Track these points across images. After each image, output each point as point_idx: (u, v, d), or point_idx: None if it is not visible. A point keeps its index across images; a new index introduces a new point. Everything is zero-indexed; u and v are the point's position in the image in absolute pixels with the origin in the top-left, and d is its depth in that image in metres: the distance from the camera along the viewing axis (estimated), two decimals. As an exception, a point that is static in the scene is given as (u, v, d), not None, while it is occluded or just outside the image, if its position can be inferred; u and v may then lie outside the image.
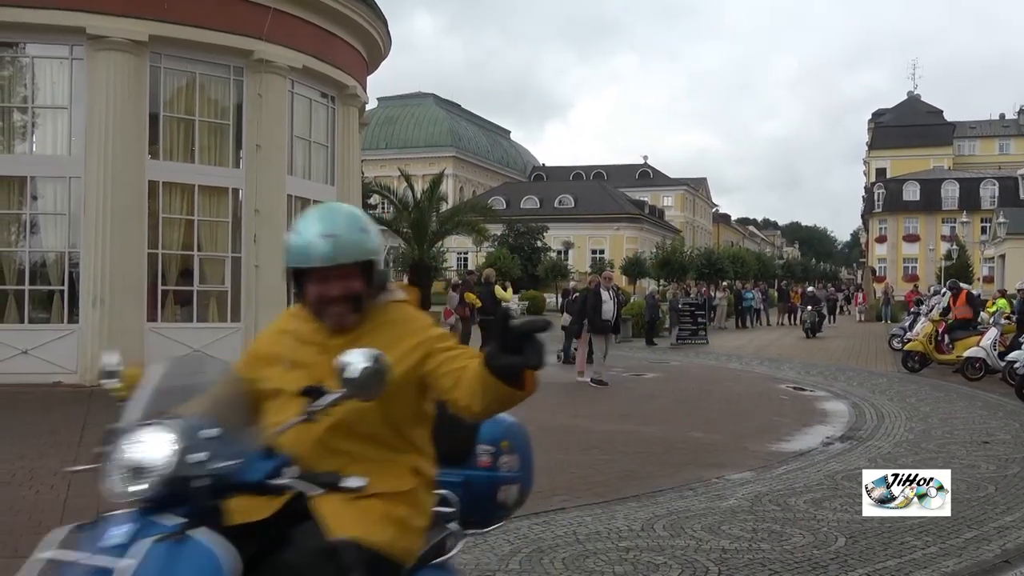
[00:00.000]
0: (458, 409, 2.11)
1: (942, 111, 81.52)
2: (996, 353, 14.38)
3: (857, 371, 16.76)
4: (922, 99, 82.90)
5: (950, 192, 67.63)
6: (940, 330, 16.27)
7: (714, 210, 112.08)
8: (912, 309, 22.43)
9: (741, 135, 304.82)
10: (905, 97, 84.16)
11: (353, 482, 1.95)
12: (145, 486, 1.84)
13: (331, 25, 14.37)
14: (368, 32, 15.40)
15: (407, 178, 21.57)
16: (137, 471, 1.85)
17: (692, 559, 4.83)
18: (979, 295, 18.47)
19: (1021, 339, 13.19)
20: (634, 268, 53.74)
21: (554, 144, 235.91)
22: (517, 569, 4.62)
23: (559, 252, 58.87)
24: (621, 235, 71.89)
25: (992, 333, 14.76)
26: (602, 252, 69.72)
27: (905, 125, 77.04)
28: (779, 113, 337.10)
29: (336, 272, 2.15)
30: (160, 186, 12.54)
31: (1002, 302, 18.24)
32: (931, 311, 17.89)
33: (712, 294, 33.69)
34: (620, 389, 13.18)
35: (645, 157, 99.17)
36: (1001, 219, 42.50)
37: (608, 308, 13.62)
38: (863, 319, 39.49)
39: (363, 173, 19.96)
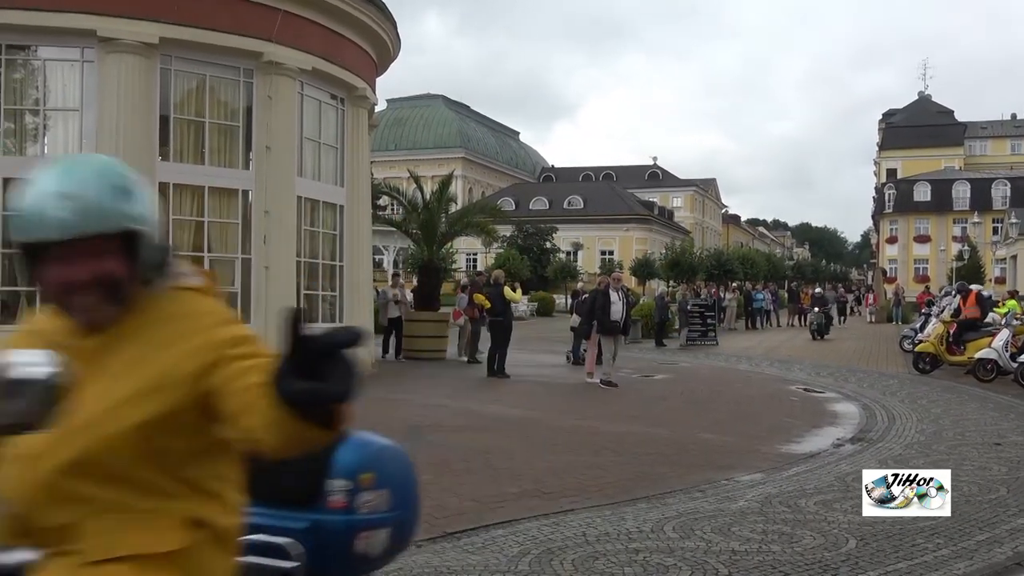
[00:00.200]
0: (252, 444, 1.46)
1: (953, 111, 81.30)
2: (1008, 354, 14.32)
3: (868, 372, 16.70)
4: (933, 99, 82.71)
5: (961, 193, 67.35)
6: (951, 331, 16.21)
7: (724, 211, 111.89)
8: (923, 310, 22.34)
9: (751, 136, 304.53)
10: (916, 97, 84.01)
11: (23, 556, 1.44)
12: None
13: (340, 27, 14.40)
14: (377, 34, 15.43)
15: (416, 179, 21.58)
16: None
17: (702, 561, 4.82)
18: (990, 296, 18.37)
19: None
20: (643, 269, 53.68)
21: (563, 145, 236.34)
22: (527, 570, 4.61)
23: (568, 253, 58.86)
24: (630, 236, 71.84)
25: (1004, 334, 14.69)
26: (611, 253, 69.73)
27: (916, 125, 76.82)
28: (789, 113, 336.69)
29: (82, 248, 1.52)
30: (170, 188, 12.57)
31: (1012, 303, 18.15)
32: (942, 312, 17.82)
33: (722, 295, 33.65)
34: (630, 390, 13.16)
35: (654, 158, 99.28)
36: (1013, 219, 42.38)
37: (617, 309, 13.61)
38: (874, 320, 39.38)
39: (372, 174, 19.99)
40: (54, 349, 1.48)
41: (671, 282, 47.24)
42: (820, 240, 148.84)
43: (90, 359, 1.56)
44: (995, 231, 56.21)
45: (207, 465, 1.63)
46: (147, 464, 1.55)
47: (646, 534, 5.32)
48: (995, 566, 4.85)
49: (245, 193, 13.37)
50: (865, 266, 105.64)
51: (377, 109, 18.66)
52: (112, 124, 11.88)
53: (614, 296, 13.73)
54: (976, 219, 50.46)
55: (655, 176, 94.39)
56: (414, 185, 21.33)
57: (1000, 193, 65.61)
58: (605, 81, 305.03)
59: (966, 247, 45.38)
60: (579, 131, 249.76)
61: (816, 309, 28.26)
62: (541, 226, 57.83)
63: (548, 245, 56.24)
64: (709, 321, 24.37)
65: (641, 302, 26.90)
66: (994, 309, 17.15)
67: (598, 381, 13.44)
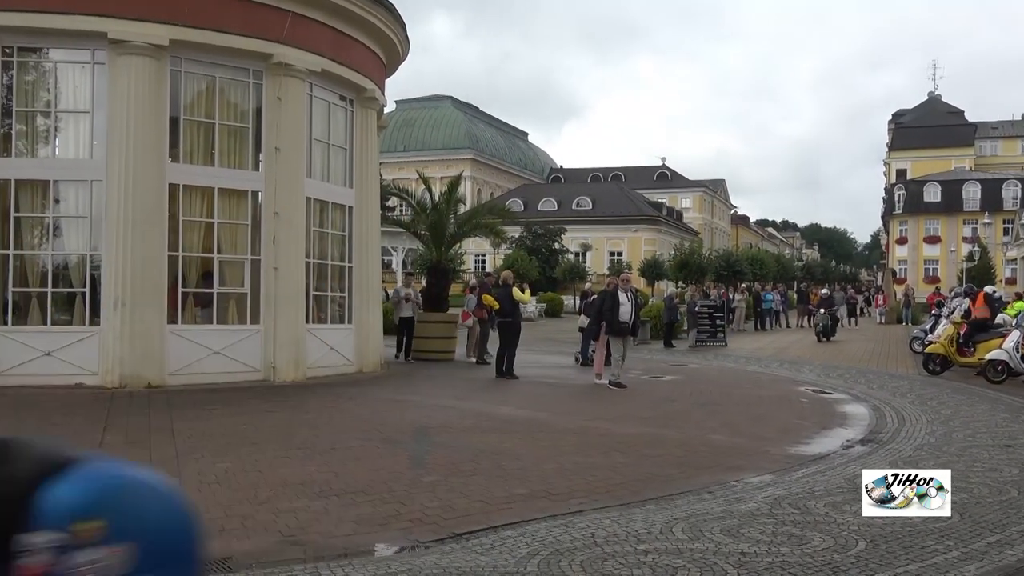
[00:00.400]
0: None
1: (963, 111, 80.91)
2: (1019, 356, 14.27)
3: (878, 374, 16.65)
4: (943, 99, 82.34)
5: (972, 193, 66.99)
6: (962, 332, 16.15)
7: (733, 212, 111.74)
8: (933, 311, 22.28)
9: (760, 136, 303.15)
10: (926, 98, 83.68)
11: None
12: None
13: (349, 28, 14.44)
14: (386, 35, 15.46)
15: (425, 180, 21.58)
16: None
17: (711, 562, 4.81)
18: (1000, 296, 18.31)
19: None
20: (652, 270, 53.61)
21: (572, 146, 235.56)
22: (535, 572, 4.61)
23: (577, 254, 58.89)
24: (639, 237, 71.76)
25: (1015, 335, 14.63)
26: (620, 254, 69.68)
27: (926, 126, 76.48)
28: (798, 114, 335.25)
29: None
30: (180, 189, 12.63)
31: (1020, 304, 18.09)
32: (952, 313, 17.76)
33: (731, 296, 33.57)
34: (638, 391, 13.15)
35: (663, 159, 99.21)
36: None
37: (626, 310, 13.59)
38: (883, 321, 39.28)
39: (381, 175, 20.02)
40: None
41: (680, 283, 47.18)
42: (830, 241, 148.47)
43: None
44: (1006, 232, 55.95)
45: None
46: None
47: (655, 535, 5.31)
48: (1005, 568, 4.82)
49: (255, 194, 13.42)
50: (875, 267, 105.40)
51: (386, 110, 18.69)
52: (122, 126, 11.95)
53: (623, 297, 13.72)
54: (987, 220, 50.20)
55: (664, 177, 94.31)
56: (423, 186, 21.35)
57: (1011, 194, 65.28)
58: (615, 82, 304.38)
59: (976, 248, 45.17)
60: (588, 132, 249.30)
61: (822, 310, 27.26)
62: (550, 227, 57.85)
63: (557, 246, 56.26)
64: (718, 322, 24.34)
65: (650, 303, 26.85)
66: (1002, 310, 17.09)
67: (607, 382, 13.43)
